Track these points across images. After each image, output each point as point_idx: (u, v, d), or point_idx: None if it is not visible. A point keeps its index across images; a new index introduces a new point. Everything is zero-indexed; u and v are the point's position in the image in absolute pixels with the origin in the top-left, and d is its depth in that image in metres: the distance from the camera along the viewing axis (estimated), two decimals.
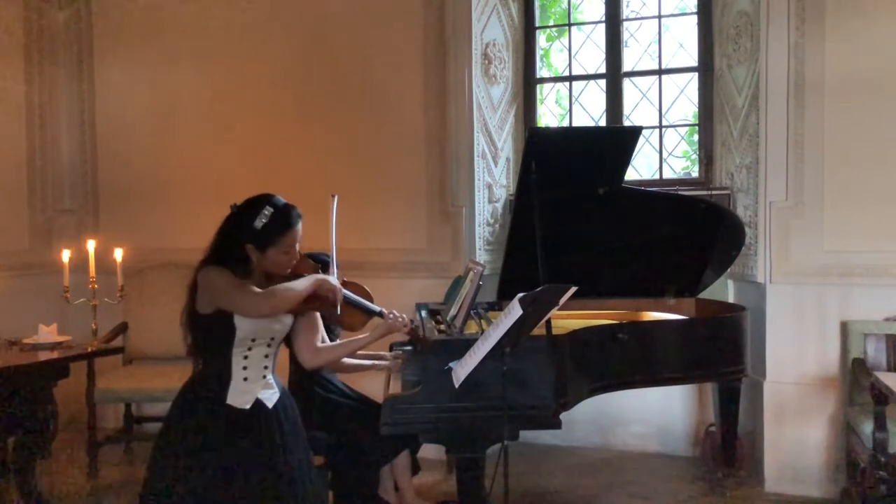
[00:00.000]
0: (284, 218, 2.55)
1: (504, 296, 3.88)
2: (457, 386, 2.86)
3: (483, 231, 4.90)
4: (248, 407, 2.53)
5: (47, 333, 4.11)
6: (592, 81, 5.15)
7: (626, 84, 5.03)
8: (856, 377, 3.87)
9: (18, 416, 3.80)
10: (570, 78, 5.20)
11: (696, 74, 4.84)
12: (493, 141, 4.97)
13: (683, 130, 5.04)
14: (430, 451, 3.93)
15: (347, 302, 2.85)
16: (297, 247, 2.61)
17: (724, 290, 4.54)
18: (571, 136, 4.08)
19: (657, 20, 4.96)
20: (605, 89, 5.05)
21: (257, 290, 2.49)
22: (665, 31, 4.97)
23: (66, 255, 4.44)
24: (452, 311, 3.41)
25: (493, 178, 4.98)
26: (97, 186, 5.68)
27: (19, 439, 3.87)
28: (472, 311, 3.38)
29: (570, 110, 5.21)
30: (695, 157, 4.94)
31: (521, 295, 2.68)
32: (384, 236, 4.95)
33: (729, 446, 4.11)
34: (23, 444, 3.86)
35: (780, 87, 4.14)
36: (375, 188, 4.97)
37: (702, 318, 4.07)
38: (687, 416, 4.77)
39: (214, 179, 5.14)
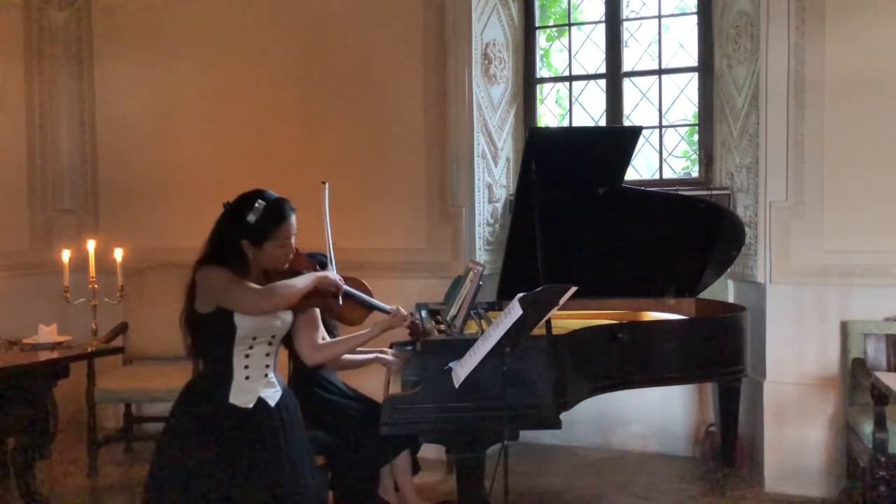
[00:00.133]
0: (277, 211, 2.55)
1: (504, 296, 3.88)
2: (457, 386, 2.86)
3: (483, 231, 4.90)
4: (250, 406, 2.53)
5: (47, 333, 4.11)
6: (592, 81, 5.15)
7: (626, 84, 5.03)
8: (856, 377, 3.87)
9: (18, 416, 3.80)
10: (570, 78, 5.20)
11: (696, 74, 4.84)
12: (493, 141, 4.97)
13: (683, 130, 5.04)
14: (430, 451, 3.93)
15: (348, 296, 2.86)
16: (293, 240, 2.61)
17: (724, 290, 4.54)
18: (571, 136, 4.09)
19: (657, 20, 4.96)
20: (605, 89, 5.05)
21: (256, 287, 2.49)
22: (665, 31, 4.97)
23: (66, 255, 4.44)
24: (452, 311, 3.41)
25: (493, 178, 4.98)
26: (97, 186, 5.68)
27: (19, 439, 3.87)
28: (472, 311, 3.38)
29: (570, 110, 5.21)
30: (695, 157, 4.94)
31: (521, 295, 2.68)
32: (384, 236, 4.95)
33: (729, 446, 4.12)
34: (23, 444, 3.86)
35: (780, 87, 4.14)
36: (375, 188, 4.97)
37: (702, 318, 4.08)
38: (687, 416, 4.76)
39: (214, 179, 5.13)
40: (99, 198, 5.68)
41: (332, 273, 2.78)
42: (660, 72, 4.97)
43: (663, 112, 4.97)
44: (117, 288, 4.52)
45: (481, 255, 4.81)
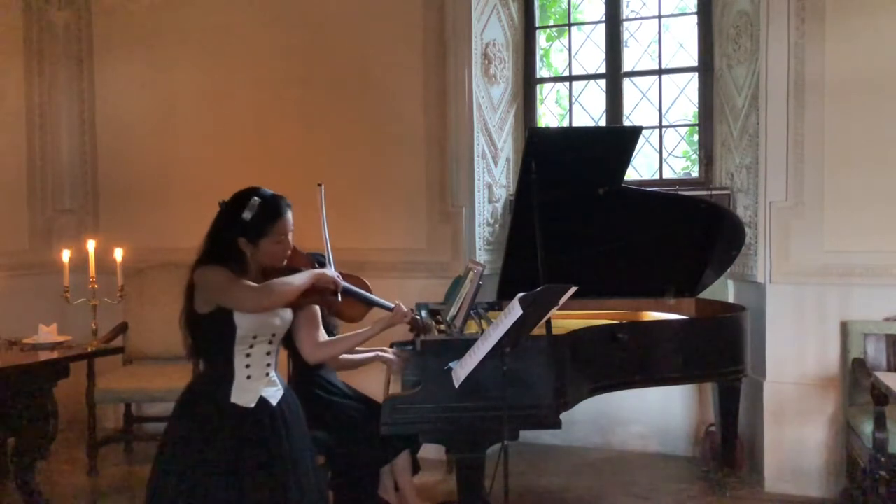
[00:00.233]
0: (273, 207, 2.55)
1: (504, 296, 3.88)
2: (457, 386, 2.86)
3: (483, 231, 4.90)
4: (252, 405, 2.53)
5: (47, 333, 4.11)
6: (592, 81, 5.15)
7: (626, 84, 5.03)
8: (856, 377, 3.87)
9: (18, 416, 3.80)
10: (570, 78, 5.21)
11: (696, 74, 4.84)
12: (493, 141, 4.97)
13: (683, 130, 5.04)
14: (430, 451, 3.93)
15: (347, 293, 2.86)
16: (290, 236, 2.61)
17: (724, 290, 4.54)
18: (571, 136, 4.08)
19: (657, 20, 4.96)
20: (605, 89, 5.05)
21: (254, 284, 2.49)
22: (665, 31, 4.97)
23: (66, 255, 4.44)
24: (452, 311, 3.41)
25: (493, 178, 4.98)
26: (97, 186, 5.68)
27: (19, 439, 3.87)
28: (472, 311, 3.38)
29: (570, 110, 5.21)
30: (695, 157, 4.94)
31: (521, 295, 2.68)
32: (384, 236, 4.95)
33: (729, 446, 4.11)
34: (23, 444, 3.86)
35: (780, 87, 4.14)
36: (375, 188, 4.97)
37: (702, 318, 4.07)
38: (687, 416, 4.77)
39: (214, 179, 5.12)
40: (99, 198, 5.68)
41: (331, 270, 2.78)
42: (660, 72, 4.97)
43: (663, 112, 4.98)
44: (117, 288, 4.52)
45: (481, 255, 4.81)
